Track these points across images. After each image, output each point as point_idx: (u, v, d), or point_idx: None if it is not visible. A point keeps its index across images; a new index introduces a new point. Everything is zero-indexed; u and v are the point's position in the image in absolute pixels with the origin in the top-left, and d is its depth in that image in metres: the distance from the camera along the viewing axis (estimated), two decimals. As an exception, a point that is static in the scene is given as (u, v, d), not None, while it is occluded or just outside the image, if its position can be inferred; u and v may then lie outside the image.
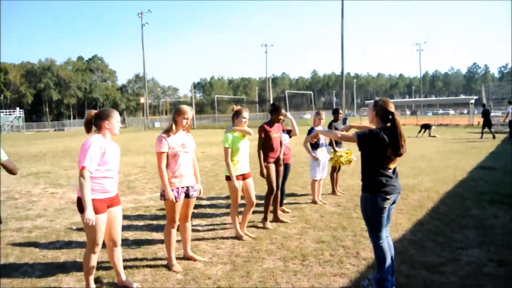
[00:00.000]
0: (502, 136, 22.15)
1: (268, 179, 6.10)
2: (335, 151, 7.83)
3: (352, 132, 3.83)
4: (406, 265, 4.50)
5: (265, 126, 6.12)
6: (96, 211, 3.68)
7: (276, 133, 6.16)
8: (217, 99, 70.09)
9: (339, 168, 8.43)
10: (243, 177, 5.53)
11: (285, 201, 7.31)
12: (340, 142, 8.16)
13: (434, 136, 24.16)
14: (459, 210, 6.78)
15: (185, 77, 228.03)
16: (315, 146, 7.60)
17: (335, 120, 8.25)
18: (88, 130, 3.89)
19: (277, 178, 6.29)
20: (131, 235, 5.88)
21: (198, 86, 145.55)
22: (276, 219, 6.42)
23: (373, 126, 3.89)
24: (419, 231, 5.75)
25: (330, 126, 8.16)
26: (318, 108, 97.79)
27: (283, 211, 6.97)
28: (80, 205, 3.68)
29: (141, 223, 6.56)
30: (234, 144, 5.40)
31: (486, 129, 21.96)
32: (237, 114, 5.48)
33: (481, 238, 5.33)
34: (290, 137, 6.90)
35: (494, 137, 20.88)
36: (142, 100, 58.38)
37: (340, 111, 8.40)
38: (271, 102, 42.09)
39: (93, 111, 3.89)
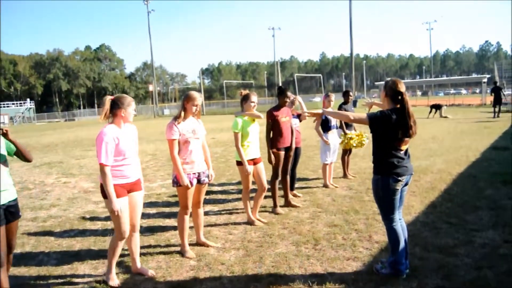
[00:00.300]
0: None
1: (274, 165, 6.07)
2: (345, 133, 7.80)
3: (363, 113, 3.79)
4: (419, 248, 4.49)
5: (272, 111, 6.06)
6: (117, 195, 3.74)
7: (284, 117, 6.09)
8: (226, 85, 69.88)
9: (350, 151, 8.40)
10: (254, 162, 5.53)
11: (296, 186, 7.32)
12: (351, 124, 8.11)
13: (445, 117, 23.89)
14: (472, 191, 6.73)
15: (193, 63, 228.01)
16: (326, 129, 7.56)
17: (345, 102, 8.18)
18: (105, 116, 3.86)
19: (286, 163, 6.28)
20: (144, 222, 5.92)
21: (206, 72, 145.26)
22: (287, 204, 6.43)
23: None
24: (432, 213, 5.72)
25: (340, 108, 8.09)
26: (328, 91, 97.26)
27: (295, 195, 6.98)
28: (103, 192, 3.77)
29: (153, 210, 6.61)
30: (244, 129, 5.40)
31: (502, 107, 21.67)
32: (245, 99, 5.46)
33: (495, 219, 5.29)
34: (300, 121, 6.85)
35: (497, 116, 20.82)
36: (150, 87, 58.30)
37: (350, 93, 8.33)
38: (281, 86, 41.97)
39: (109, 97, 3.88)
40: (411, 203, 6.24)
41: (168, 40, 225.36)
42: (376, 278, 3.85)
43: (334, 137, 7.68)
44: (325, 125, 7.54)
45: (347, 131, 7.86)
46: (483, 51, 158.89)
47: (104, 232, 5.56)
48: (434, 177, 7.91)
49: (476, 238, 4.71)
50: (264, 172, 5.70)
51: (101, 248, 4.94)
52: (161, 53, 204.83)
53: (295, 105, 6.83)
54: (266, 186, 5.71)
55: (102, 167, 3.69)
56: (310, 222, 5.64)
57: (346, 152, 8.31)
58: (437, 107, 25.33)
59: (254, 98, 5.47)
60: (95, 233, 5.55)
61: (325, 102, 7.65)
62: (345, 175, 8.37)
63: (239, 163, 5.46)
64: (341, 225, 5.42)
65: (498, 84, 23.41)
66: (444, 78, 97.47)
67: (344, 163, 8.37)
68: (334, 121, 7.67)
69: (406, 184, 3.82)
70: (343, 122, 7.95)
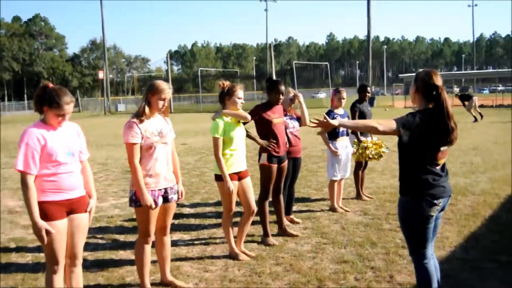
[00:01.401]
0: None
1: (264, 182, 6.13)
2: (359, 141, 7.88)
3: (390, 119, 3.74)
4: (456, 292, 4.55)
5: (261, 109, 6.13)
6: (50, 217, 3.73)
7: (277, 118, 6.15)
8: (202, 73, 70.04)
9: (366, 164, 8.48)
10: (239, 176, 5.56)
11: (294, 208, 7.36)
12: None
13: (475, 118, 23.91)
14: (526, 219, 6.84)
15: (158, 44, 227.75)
16: (334, 135, 7.62)
17: (361, 100, 8.28)
18: (40, 110, 3.86)
19: (279, 179, 6.31)
20: (89, 254, 5.90)
21: (176, 55, 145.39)
22: (282, 232, 6.45)
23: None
24: (474, 248, 5.79)
25: (353, 108, 8.18)
26: (336, 85, 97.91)
27: (292, 221, 7.03)
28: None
29: (103, 238, 6.60)
30: (227, 133, 5.41)
31: None
32: (229, 93, 5.46)
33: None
34: (300, 125, 6.91)
35: None
36: (100, 75, 58.16)
37: (369, 89, 8.42)
38: (274, 76, 41.97)
39: (49, 84, 3.86)
40: (446, 233, 6.32)
41: (125, 13, 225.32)
42: (399, 331, 3.90)
43: (344, 146, 7.74)
44: (333, 131, 7.58)
45: (361, 138, 7.94)
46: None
47: (35, 267, 5.52)
48: (476, 200, 8.01)
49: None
50: (252, 189, 5.73)
51: (31, 288, 4.92)
52: (116, 29, 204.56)
53: (294, 104, 6.89)
54: (255, 208, 5.74)
55: (21, 176, 3.67)
56: (312, 256, 5.67)
57: (360, 165, 8.39)
58: (466, 97, 25.07)
59: (240, 92, 5.48)
60: (23, 268, 5.51)
61: (334, 100, 7.73)
62: (358, 196, 8.44)
63: (219, 178, 5.48)
64: (353, 261, 5.46)
65: None
66: (490, 70, 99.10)
67: (358, 180, 8.45)
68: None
69: (442, 209, 3.87)
70: None
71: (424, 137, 3.65)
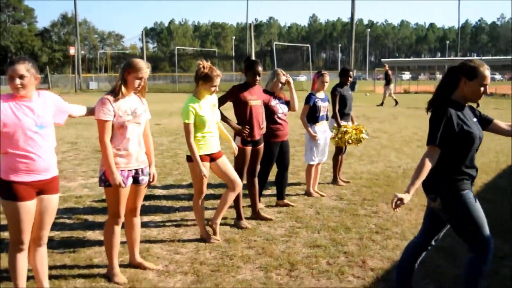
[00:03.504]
0: None
1: (238, 164, 6.21)
2: (339, 126, 7.96)
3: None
4: (431, 280, 4.68)
5: (238, 90, 6.18)
6: (20, 198, 3.74)
7: (255, 99, 6.20)
8: (178, 52, 69.47)
9: (345, 149, 8.58)
10: (211, 157, 5.59)
11: (269, 192, 7.45)
12: (347, 114, 8.29)
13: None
14: (503, 208, 7.01)
15: (133, 20, 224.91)
16: (314, 119, 7.70)
17: (342, 84, 8.33)
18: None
19: (254, 162, 6.40)
20: (57, 234, 5.92)
21: (152, 33, 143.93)
22: (256, 216, 6.54)
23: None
24: (448, 235, 5.90)
25: (334, 92, 8.23)
26: (318, 68, 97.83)
27: (287, 205, 7.16)
28: (2, 189, 3.77)
29: (71, 218, 6.61)
30: (199, 117, 5.40)
31: None
32: (206, 79, 5.35)
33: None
34: (288, 110, 7.00)
35: None
36: (72, 51, 57.19)
37: (351, 73, 8.47)
38: (253, 57, 41.78)
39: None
40: (420, 220, 6.31)
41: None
42: (369, 315, 4.01)
43: (323, 131, 7.82)
44: (313, 115, 7.66)
45: (341, 123, 8.03)
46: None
47: None
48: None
49: (504, 269, 4.94)
50: (231, 166, 5.79)
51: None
52: (89, 3, 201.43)
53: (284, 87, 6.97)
54: (240, 183, 5.80)
55: None
56: (285, 240, 5.76)
57: (340, 150, 8.48)
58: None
59: (217, 80, 5.37)
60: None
61: (316, 83, 7.77)
62: (335, 181, 8.55)
63: (191, 159, 5.49)
64: (326, 245, 5.56)
65: None
66: (474, 57, 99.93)
67: (337, 165, 8.56)
68: (324, 111, 7.82)
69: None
70: (337, 112, 8.11)
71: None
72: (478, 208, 3.80)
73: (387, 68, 28.68)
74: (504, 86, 47.78)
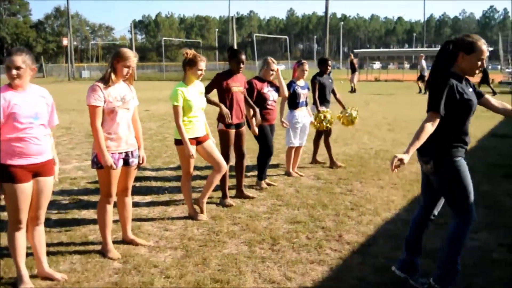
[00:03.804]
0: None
1: (223, 147, 6.21)
2: (318, 112, 7.93)
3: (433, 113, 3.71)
4: (401, 251, 4.69)
5: (221, 77, 6.16)
6: (17, 180, 3.71)
7: (237, 86, 6.20)
8: (165, 43, 68.96)
9: (330, 131, 8.53)
10: (197, 141, 5.55)
11: (252, 173, 7.44)
12: (328, 101, 8.25)
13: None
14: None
15: (122, 13, 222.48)
16: (294, 105, 7.66)
17: (322, 73, 8.29)
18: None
19: (241, 142, 6.39)
20: (53, 214, 5.85)
21: (140, 25, 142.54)
22: (240, 195, 6.52)
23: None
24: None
25: (314, 80, 8.18)
26: (295, 58, 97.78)
27: (269, 184, 7.19)
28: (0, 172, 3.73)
29: (66, 199, 6.54)
30: (186, 101, 5.38)
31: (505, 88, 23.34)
32: (191, 63, 5.39)
33: (491, 219, 5.60)
34: (278, 96, 7.12)
35: (494, 93, 22.94)
36: (65, 41, 56.40)
37: (329, 62, 8.44)
38: (235, 48, 41.71)
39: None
40: (392, 197, 6.50)
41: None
42: (345, 286, 4.02)
43: (303, 116, 7.78)
44: (293, 101, 7.62)
45: (320, 109, 8.00)
46: (486, 18, 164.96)
47: (-1, 225, 5.43)
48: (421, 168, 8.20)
49: (467, 241, 4.96)
50: (216, 149, 5.75)
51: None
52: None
53: (273, 76, 7.02)
54: (225, 166, 5.77)
55: None
56: (267, 217, 5.76)
57: (320, 134, 8.45)
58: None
59: (202, 64, 5.41)
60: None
61: (297, 72, 7.73)
62: (314, 161, 8.55)
63: (179, 142, 5.47)
64: (305, 221, 5.57)
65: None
66: (438, 48, 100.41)
67: (317, 149, 8.58)
68: (304, 98, 7.78)
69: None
70: (317, 98, 8.05)
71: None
72: (468, 176, 3.80)
73: (352, 58, 29.06)
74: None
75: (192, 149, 5.43)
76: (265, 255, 4.65)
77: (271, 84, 7.00)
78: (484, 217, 5.69)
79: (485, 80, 23.89)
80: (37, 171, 3.86)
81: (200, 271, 4.28)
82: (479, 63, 3.68)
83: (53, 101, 4.03)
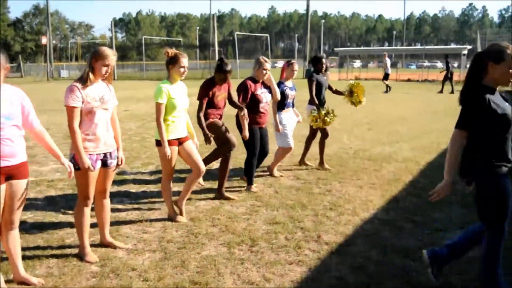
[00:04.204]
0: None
1: (220, 136, 6.37)
2: (318, 110, 7.90)
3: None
4: (376, 250, 4.75)
5: (208, 86, 6.29)
6: None
7: (222, 94, 6.41)
8: (146, 41, 68.52)
9: (327, 133, 8.42)
10: (179, 141, 5.53)
11: (230, 174, 7.44)
12: (324, 101, 8.21)
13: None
14: (442, 184, 7.14)
15: (102, 11, 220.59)
16: (281, 106, 7.55)
17: (317, 71, 8.28)
18: None
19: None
20: (30, 217, 5.79)
21: (120, 23, 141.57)
22: (220, 196, 6.51)
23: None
24: (394, 210, 6.04)
25: (311, 78, 8.14)
26: (277, 56, 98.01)
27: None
28: None
29: (43, 201, 6.47)
30: (170, 100, 5.37)
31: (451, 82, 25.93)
32: (173, 61, 5.38)
33: (466, 219, 5.67)
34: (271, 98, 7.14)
35: (452, 91, 24.56)
36: (44, 40, 55.70)
37: (324, 60, 8.42)
38: (216, 46, 41.23)
39: None
40: (370, 197, 6.55)
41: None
42: (324, 286, 4.05)
43: (290, 117, 7.72)
44: (281, 102, 7.52)
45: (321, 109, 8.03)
46: (465, 17, 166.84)
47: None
48: (399, 167, 8.31)
49: (443, 240, 5.03)
50: (197, 151, 5.73)
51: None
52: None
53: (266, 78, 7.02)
54: (203, 168, 5.76)
55: None
56: (246, 218, 5.77)
57: (314, 135, 8.43)
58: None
59: (184, 61, 5.40)
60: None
61: (286, 72, 7.69)
62: (302, 163, 8.54)
63: (159, 143, 5.45)
64: (284, 222, 5.59)
65: (448, 58, 27.62)
66: (418, 47, 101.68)
67: (307, 148, 8.53)
68: (291, 98, 7.75)
69: None
70: (314, 96, 8.03)
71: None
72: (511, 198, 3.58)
73: (324, 57, 29.36)
74: (443, 72, 48.57)
75: (173, 150, 5.42)
76: (244, 256, 4.66)
77: (265, 86, 6.98)
78: (461, 216, 5.81)
79: (447, 78, 26.05)
80: (10, 173, 3.77)
81: (179, 274, 4.28)
82: (511, 72, 3.49)
83: (29, 100, 3.95)
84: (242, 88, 6.67)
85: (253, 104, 6.77)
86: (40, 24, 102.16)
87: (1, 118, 3.65)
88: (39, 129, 4.04)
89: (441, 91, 25.96)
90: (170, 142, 5.40)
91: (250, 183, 6.96)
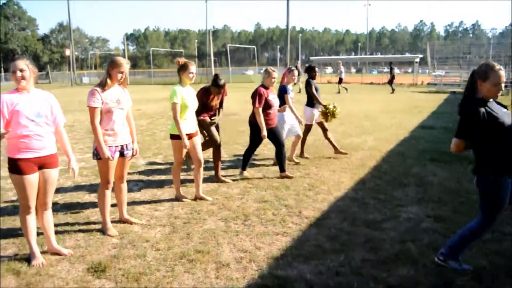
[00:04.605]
0: (443, 96, 23.42)
1: (208, 133, 6.45)
2: (325, 106, 7.92)
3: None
4: (347, 223, 4.78)
5: (204, 94, 6.34)
6: (23, 171, 3.65)
7: (215, 101, 6.45)
8: (153, 53, 67.90)
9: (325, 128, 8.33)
10: (189, 136, 5.49)
11: (226, 164, 7.43)
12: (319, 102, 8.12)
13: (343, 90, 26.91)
14: (401, 168, 7.20)
15: (116, 27, 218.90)
16: (282, 105, 7.21)
17: (313, 78, 8.20)
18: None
19: (217, 135, 6.50)
20: (60, 199, 5.75)
21: (131, 37, 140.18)
22: (217, 180, 6.50)
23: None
24: (361, 189, 6.07)
25: (309, 84, 8.06)
26: (262, 64, 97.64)
27: (287, 177, 6.77)
28: (10, 165, 3.68)
29: (71, 186, 6.42)
30: (183, 100, 5.31)
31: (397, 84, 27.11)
32: (183, 68, 5.33)
33: (420, 195, 5.73)
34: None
35: (392, 92, 25.96)
36: (67, 52, 55.04)
37: (316, 69, 8.32)
38: (212, 57, 40.87)
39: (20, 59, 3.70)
40: (342, 179, 6.58)
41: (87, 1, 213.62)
42: (305, 252, 4.06)
43: (290, 112, 7.50)
44: (283, 102, 7.28)
45: (323, 105, 8.03)
46: (417, 31, 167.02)
47: (13, 210, 5.28)
48: (365, 154, 8.34)
49: (401, 213, 5.09)
50: (200, 146, 5.70)
51: (10, 227, 4.75)
52: (80, 13, 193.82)
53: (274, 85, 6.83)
54: (203, 160, 5.72)
55: None
56: (240, 197, 5.77)
57: (308, 131, 8.31)
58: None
59: (192, 68, 5.35)
60: (3, 212, 5.29)
61: (287, 77, 7.52)
62: (302, 155, 8.30)
63: (174, 137, 5.41)
64: (271, 201, 5.60)
65: (392, 64, 29.11)
66: (379, 56, 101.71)
67: (331, 141, 8.34)
68: (291, 101, 7.47)
69: None
70: (318, 97, 7.99)
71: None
72: (503, 196, 3.47)
73: (298, 65, 29.61)
74: (401, 77, 48.89)
75: (187, 142, 5.37)
76: (238, 229, 4.66)
77: (272, 92, 6.71)
78: (416, 193, 5.82)
79: (390, 81, 26.95)
80: (42, 163, 3.78)
81: (185, 244, 4.27)
82: (495, 88, 3.40)
83: (57, 103, 3.95)
84: (258, 94, 6.40)
85: (266, 108, 6.50)
86: (64, 38, 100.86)
87: (32, 117, 3.65)
88: (61, 130, 4.02)
89: (392, 92, 26.20)
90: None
91: (243, 168, 6.89)
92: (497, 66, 3.39)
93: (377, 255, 3.99)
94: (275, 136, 6.68)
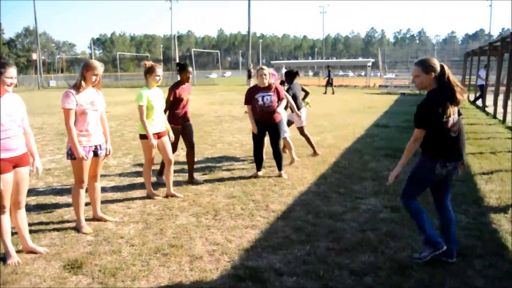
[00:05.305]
0: (392, 96, 24.03)
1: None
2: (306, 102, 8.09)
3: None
4: (312, 215, 4.85)
5: (175, 88, 6.03)
6: (2, 171, 3.54)
7: (186, 95, 6.14)
8: (119, 57, 66.57)
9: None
10: (158, 135, 5.43)
11: (196, 164, 7.37)
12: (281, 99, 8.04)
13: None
14: (358, 164, 7.37)
15: (82, 32, 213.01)
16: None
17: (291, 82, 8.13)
18: None
19: (190, 137, 6.26)
20: (32, 199, 5.56)
21: (98, 42, 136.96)
22: (190, 180, 6.35)
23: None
24: (323, 184, 6.17)
25: (289, 90, 7.93)
26: (225, 68, 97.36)
27: (280, 175, 6.61)
28: None
29: (43, 186, 6.22)
30: (149, 102, 5.24)
31: (332, 86, 28.66)
32: (150, 71, 5.26)
33: (377, 188, 5.88)
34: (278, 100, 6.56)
35: (333, 93, 27.26)
36: (34, 56, 53.10)
37: (298, 72, 8.29)
38: (177, 60, 40.54)
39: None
40: (304, 175, 6.66)
41: (53, 4, 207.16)
42: (273, 244, 4.10)
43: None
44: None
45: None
46: (369, 37, 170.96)
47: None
48: (325, 151, 8.48)
49: (361, 205, 5.21)
50: (170, 145, 5.63)
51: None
52: (45, 18, 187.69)
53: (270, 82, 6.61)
54: (173, 159, 5.66)
55: None
56: (209, 194, 5.75)
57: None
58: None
59: (159, 71, 5.29)
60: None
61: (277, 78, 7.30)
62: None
63: (143, 137, 5.34)
64: (240, 196, 5.61)
65: (330, 68, 31.21)
66: (334, 60, 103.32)
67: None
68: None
69: (454, 169, 3.69)
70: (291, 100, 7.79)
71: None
72: (421, 181, 3.76)
73: (250, 68, 30.29)
74: (354, 79, 49.88)
75: (154, 142, 5.30)
76: (209, 223, 4.66)
77: (266, 90, 6.37)
78: (373, 187, 5.97)
79: (329, 83, 28.78)
80: (16, 163, 3.67)
81: (159, 239, 4.23)
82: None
83: (24, 106, 3.85)
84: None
85: (253, 105, 6.36)
86: (30, 43, 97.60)
87: (6, 117, 3.55)
88: (28, 129, 3.91)
89: (325, 93, 27.56)
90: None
91: (257, 169, 6.61)
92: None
93: (340, 244, 4.08)
94: (270, 134, 6.49)
